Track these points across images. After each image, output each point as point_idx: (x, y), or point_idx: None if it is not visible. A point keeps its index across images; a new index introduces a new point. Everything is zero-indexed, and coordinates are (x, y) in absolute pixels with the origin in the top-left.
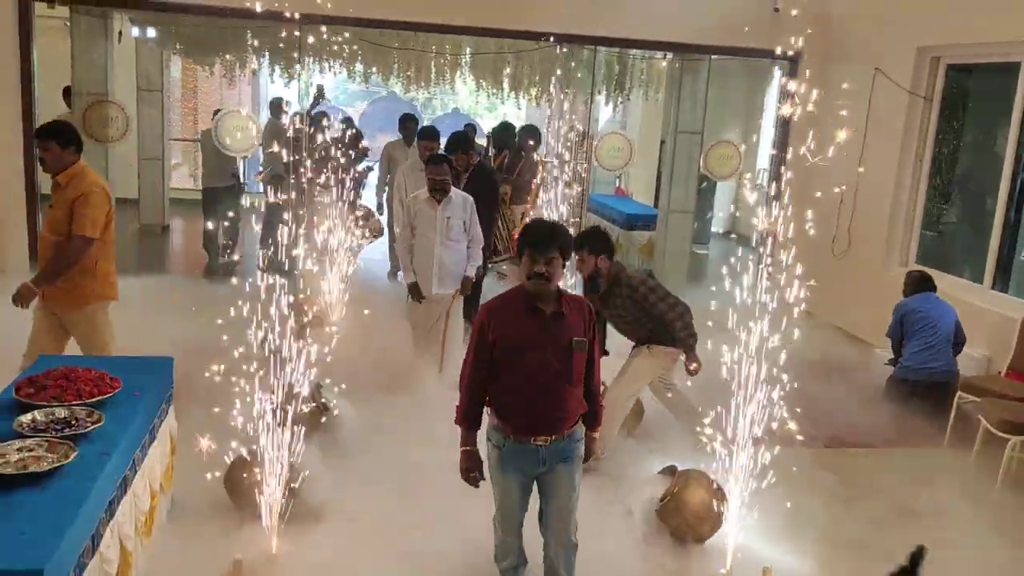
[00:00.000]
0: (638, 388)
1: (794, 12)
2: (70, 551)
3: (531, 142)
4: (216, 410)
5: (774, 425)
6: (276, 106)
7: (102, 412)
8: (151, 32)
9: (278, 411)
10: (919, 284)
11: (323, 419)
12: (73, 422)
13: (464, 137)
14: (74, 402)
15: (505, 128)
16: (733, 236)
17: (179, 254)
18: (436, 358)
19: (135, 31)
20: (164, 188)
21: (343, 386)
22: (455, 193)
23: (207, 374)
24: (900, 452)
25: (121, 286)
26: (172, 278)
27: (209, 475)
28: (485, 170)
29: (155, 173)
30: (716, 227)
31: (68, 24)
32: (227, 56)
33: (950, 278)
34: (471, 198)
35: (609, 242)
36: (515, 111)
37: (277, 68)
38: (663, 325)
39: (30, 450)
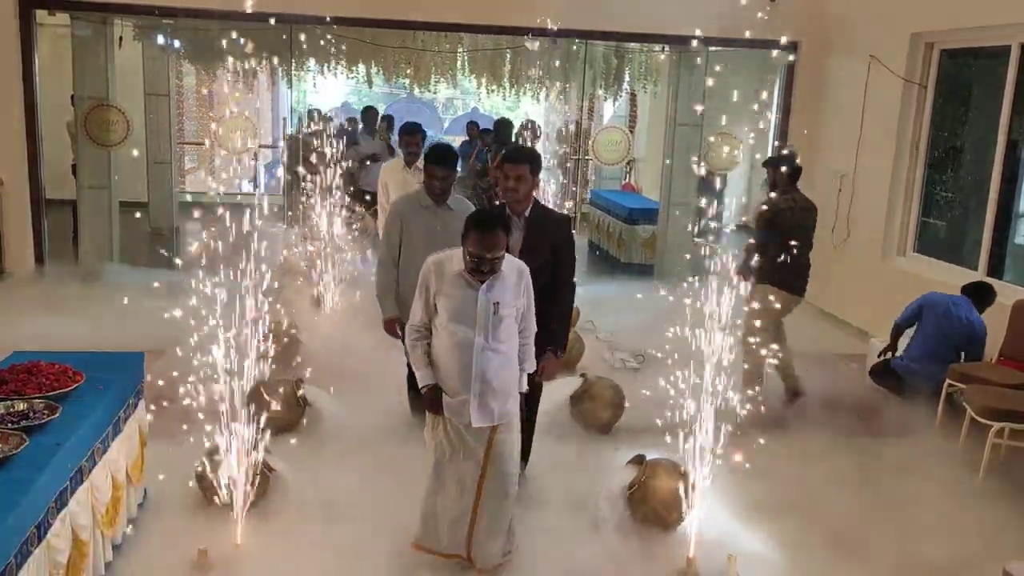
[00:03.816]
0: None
1: None
2: (9, 539)
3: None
4: (188, 402)
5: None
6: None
7: (62, 405)
8: (156, 38)
9: (249, 404)
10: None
11: (303, 417)
12: (31, 414)
13: (533, 154)
14: (34, 395)
15: (503, 124)
16: (743, 228)
17: (186, 254)
18: (463, 529)
19: (139, 36)
20: (173, 191)
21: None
22: (507, 263)
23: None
24: (889, 440)
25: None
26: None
27: (182, 468)
28: (552, 213)
29: (164, 177)
30: (727, 220)
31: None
32: (230, 60)
33: (945, 265)
34: (527, 268)
35: None
36: (532, 108)
37: (280, 71)
38: None
39: None
